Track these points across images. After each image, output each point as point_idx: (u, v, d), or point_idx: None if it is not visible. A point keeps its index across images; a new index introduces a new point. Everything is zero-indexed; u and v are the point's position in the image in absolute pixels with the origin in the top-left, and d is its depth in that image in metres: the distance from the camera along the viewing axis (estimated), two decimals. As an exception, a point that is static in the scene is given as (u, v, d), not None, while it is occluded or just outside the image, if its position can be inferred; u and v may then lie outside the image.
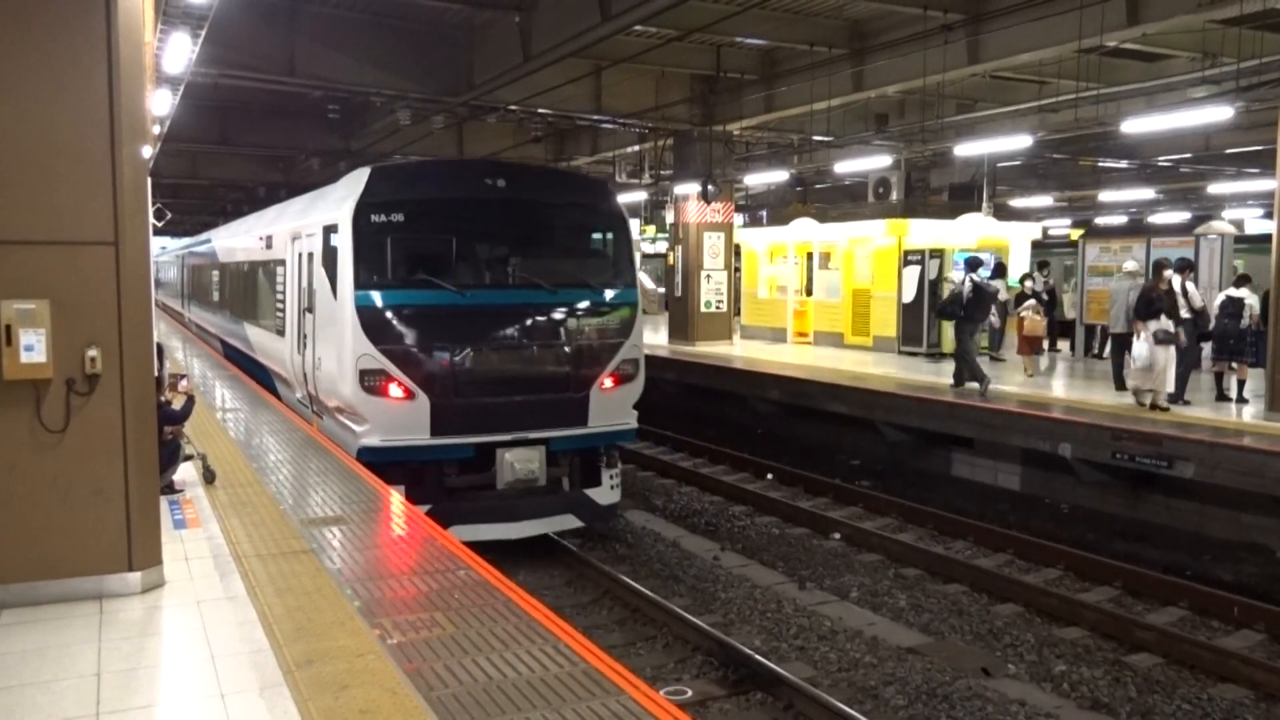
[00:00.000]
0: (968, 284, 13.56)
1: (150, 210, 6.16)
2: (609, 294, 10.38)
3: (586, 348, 10.11)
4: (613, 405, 10.19)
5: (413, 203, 9.80)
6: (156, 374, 8.17)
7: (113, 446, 5.35)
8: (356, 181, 10.07)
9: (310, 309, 10.86)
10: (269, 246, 13.83)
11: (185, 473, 8.31)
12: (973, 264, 14.04)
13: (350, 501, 7.62)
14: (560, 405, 9.87)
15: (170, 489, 7.85)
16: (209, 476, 8.30)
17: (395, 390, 9.35)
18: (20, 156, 5.10)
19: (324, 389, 10.44)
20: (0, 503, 5.17)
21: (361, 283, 9.48)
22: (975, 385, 13.06)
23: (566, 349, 10.02)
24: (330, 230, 10.15)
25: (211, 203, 37.95)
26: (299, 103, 19.91)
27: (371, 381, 9.37)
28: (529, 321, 9.92)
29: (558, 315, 10.06)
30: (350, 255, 9.54)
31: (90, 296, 5.27)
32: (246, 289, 16.14)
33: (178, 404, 8.28)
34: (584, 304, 10.25)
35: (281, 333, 12.54)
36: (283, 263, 12.60)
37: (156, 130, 14.59)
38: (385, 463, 9.15)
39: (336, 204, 10.22)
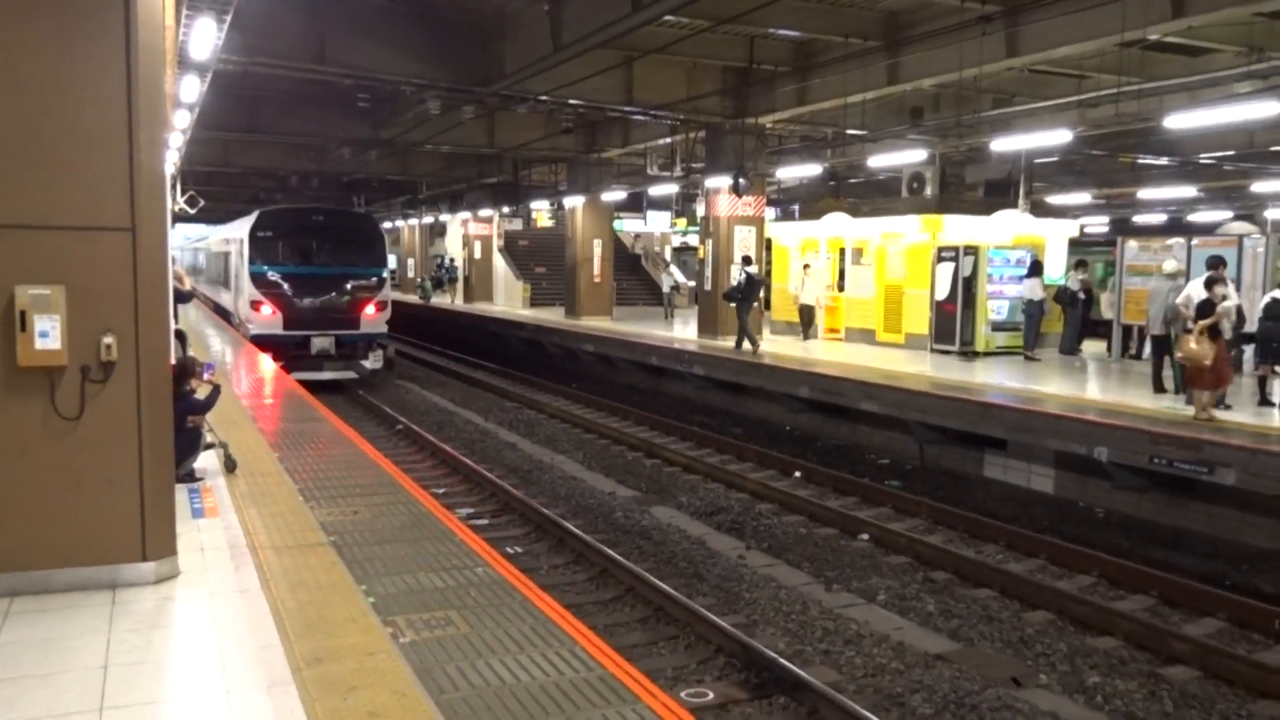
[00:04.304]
0: (743, 275, 18.15)
1: (168, 196, 6.08)
2: (370, 270, 20.81)
3: (357, 293, 20.34)
4: (373, 321, 20.50)
5: (276, 226, 20.66)
6: (179, 360, 8.14)
7: (127, 435, 5.28)
8: (252, 217, 21.23)
9: (237, 276, 21.78)
10: (226, 243, 25.28)
11: (206, 461, 8.27)
12: (746, 260, 18.76)
13: (370, 493, 7.54)
14: (344, 319, 20.10)
15: (190, 477, 7.81)
16: (230, 465, 8.25)
17: (266, 310, 19.74)
18: (35, 140, 5.03)
19: (239, 312, 21.76)
20: (13, 490, 5.12)
21: (253, 262, 20.02)
22: (749, 347, 17.99)
23: (347, 293, 20.26)
24: (241, 238, 20.92)
25: (243, 190, 38.12)
26: (329, 91, 19.90)
27: (256, 306, 19.81)
28: (329, 281, 20.26)
29: (343, 278, 20.35)
30: (248, 250, 20.16)
31: (106, 283, 5.20)
32: (219, 268, 27.65)
33: (203, 393, 8.22)
34: (356, 274, 20.49)
35: (229, 289, 24.02)
36: (229, 254, 24.13)
37: (188, 118, 14.60)
38: (262, 342, 19.16)
39: (241, 227, 21.78)
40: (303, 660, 4.35)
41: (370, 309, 20.28)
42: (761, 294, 20.39)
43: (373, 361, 20.42)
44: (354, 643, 4.54)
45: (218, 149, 27.06)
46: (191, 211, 26.78)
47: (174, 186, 24.30)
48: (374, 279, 20.68)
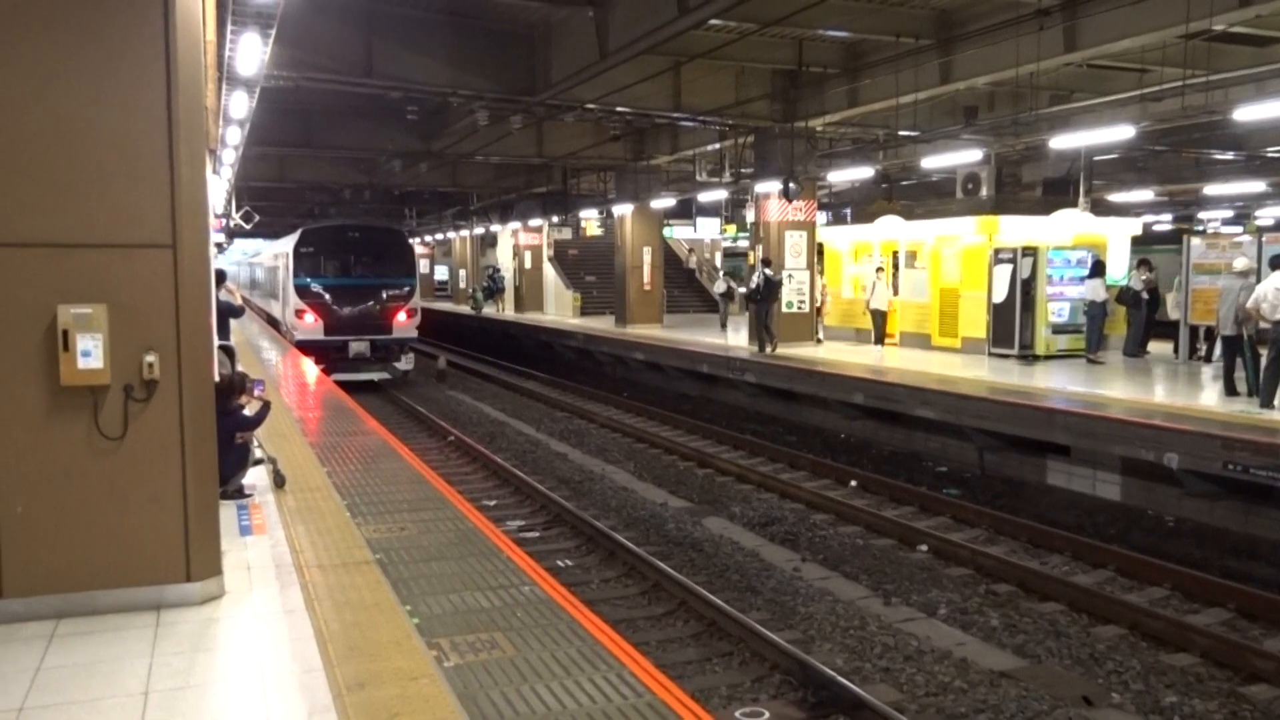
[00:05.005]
0: (760, 278, 18.84)
1: (210, 212, 6.04)
2: (401, 280, 22.98)
3: (389, 301, 22.52)
4: (404, 327, 22.69)
5: (317, 242, 22.80)
6: (226, 376, 8.13)
7: (170, 454, 5.23)
8: (296, 235, 23.27)
9: (284, 288, 24.02)
10: (275, 258, 28.02)
11: (256, 476, 8.24)
12: (765, 262, 19.26)
13: (418, 508, 7.45)
14: (378, 325, 22.29)
15: (240, 493, 7.79)
16: (279, 481, 8.21)
17: (309, 318, 21.96)
18: (75, 156, 5.00)
19: (286, 320, 23.93)
20: (57, 511, 5.08)
21: (296, 275, 22.28)
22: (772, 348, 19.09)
23: (380, 301, 22.43)
24: (287, 254, 23.47)
25: (299, 204, 38.61)
26: (378, 104, 20.05)
27: (300, 315, 22.02)
28: (365, 291, 22.43)
29: (377, 288, 22.50)
30: (291, 264, 22.56)
31: (148, 301, 5.15)
32: (268, 280, 30.79)
33: (252, 410, 8.20)
34: (389, 284, 22.68)
35: (278, 299, 26.47)
36: (277, 267, 26.70)
37: (239, 134, 14.72)
38: (306, 347, 21.11)
39: (287, 244, 24.10)
40: (345, 685, 4.23)
41: (401, 315, 22.62)
42: (823, 299, 22.01)
43: (404, 363, 22.87)
44: (397, 666, 4.43)
45: (273, 164, 27.44)
46: (247, 227, 27.24)
47: (229, 202, 24.77)
48: (405, 288, 22.96)
